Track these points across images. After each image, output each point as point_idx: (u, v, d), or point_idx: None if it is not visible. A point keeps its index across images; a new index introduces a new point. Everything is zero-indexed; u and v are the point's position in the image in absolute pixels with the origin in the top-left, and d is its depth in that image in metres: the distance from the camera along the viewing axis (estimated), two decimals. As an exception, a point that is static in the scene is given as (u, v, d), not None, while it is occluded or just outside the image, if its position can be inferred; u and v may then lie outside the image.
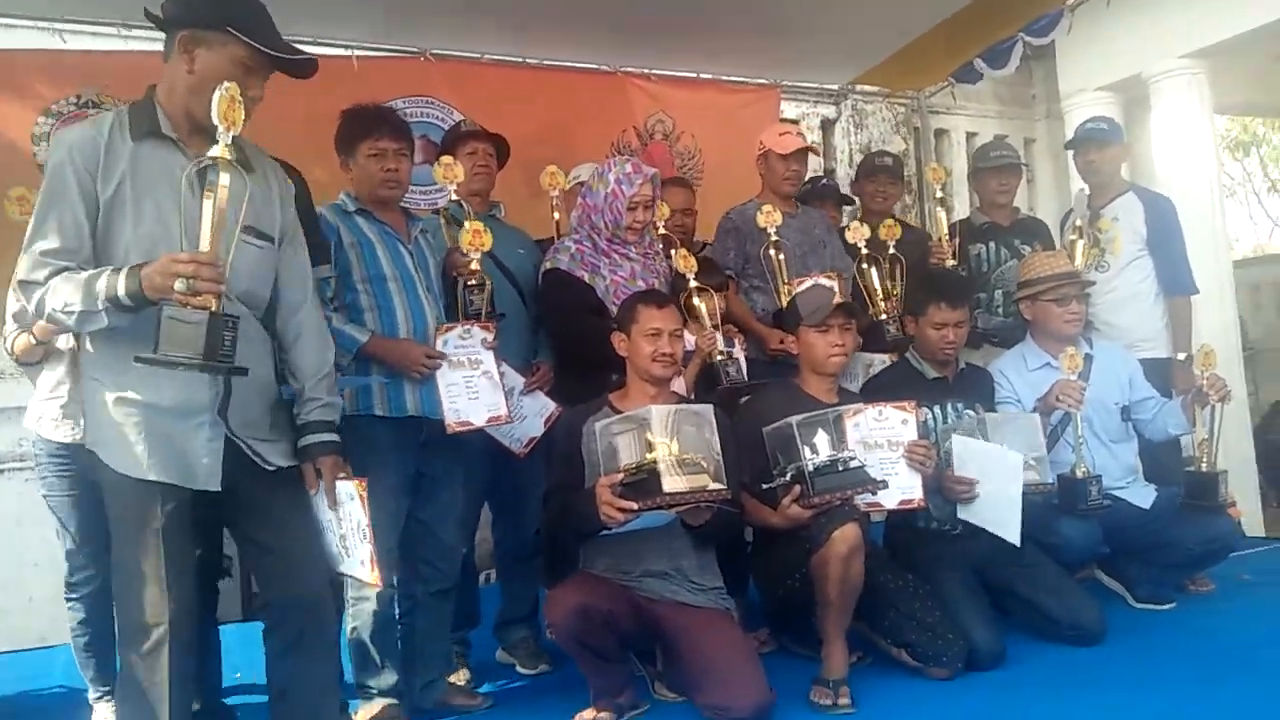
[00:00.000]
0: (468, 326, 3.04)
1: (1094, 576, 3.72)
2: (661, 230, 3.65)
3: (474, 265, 3.09)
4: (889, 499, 3.08)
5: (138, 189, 2.11)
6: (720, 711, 2.69)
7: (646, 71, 5.43)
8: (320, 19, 4.41)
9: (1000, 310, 4.26)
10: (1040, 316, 3.65)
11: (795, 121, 6.37)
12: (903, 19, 5.12)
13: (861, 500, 3.00)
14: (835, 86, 6.27)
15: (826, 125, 6.96)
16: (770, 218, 3.72)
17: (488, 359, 3.05)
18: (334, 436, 2.37)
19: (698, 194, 4.50)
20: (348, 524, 2.34)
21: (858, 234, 3.93)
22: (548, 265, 3.42)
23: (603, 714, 2.77)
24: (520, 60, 5.13)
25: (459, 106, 4.78)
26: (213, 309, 1.96)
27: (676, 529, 2.86)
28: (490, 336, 3.06)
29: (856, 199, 4.91)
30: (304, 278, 2.43)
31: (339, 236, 2.96)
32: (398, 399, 2.95)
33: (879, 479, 2.98)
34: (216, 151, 1.99)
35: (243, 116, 2.02)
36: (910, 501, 3.09)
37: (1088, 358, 3.58)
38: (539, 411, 3.32)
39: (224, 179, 1.98)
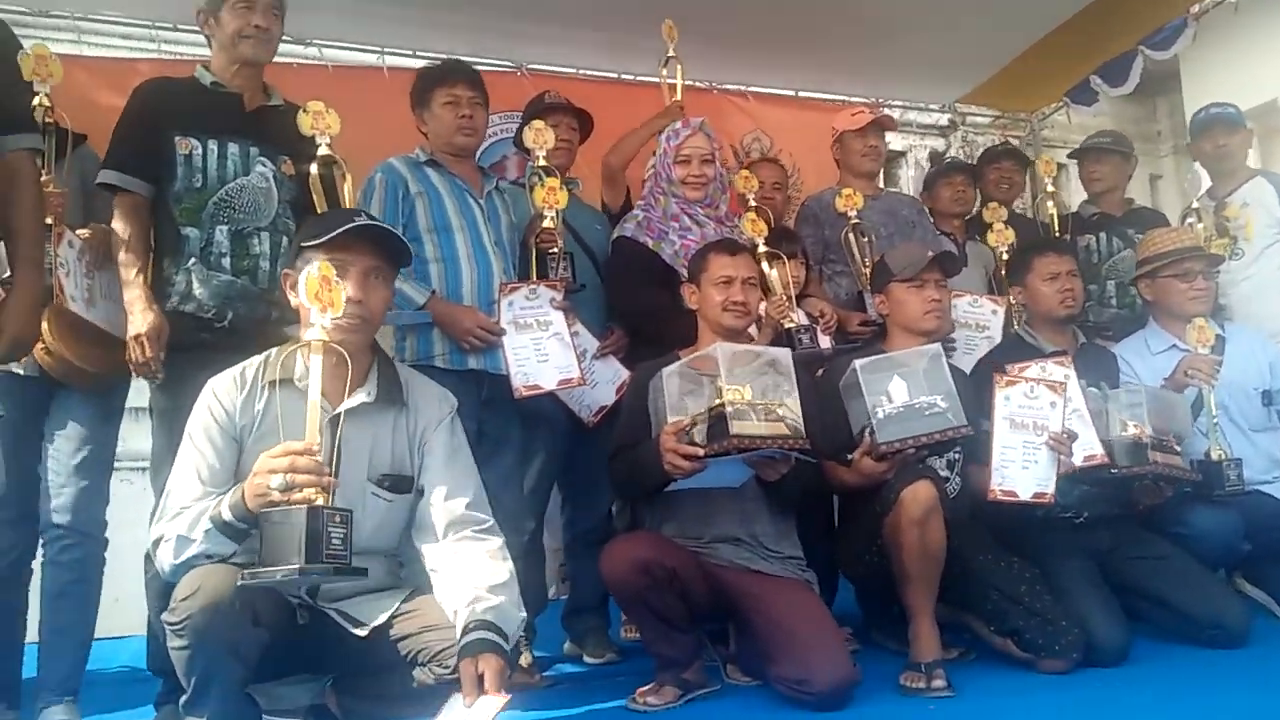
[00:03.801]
0: (534, 286, 2.92)
1: (1235, 586, 3.27)
2: (751, 201, 3.47)
3: (547, 224, 2.99)
4: (1024, 489, 2.71)
5: (280, 429, 2.05)
6: (797, 686, 2.41)
7: (743, 88, 5.32)
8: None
9: (1114, 302, 3.95)
10: (1162, 295, 3.33)
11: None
12: (1012, 27, 4.91)
13: (998, 488, 2.68)
14: (938, 107, 6.03)
15: (936, 158, 6.74)
16: (850, 201, 3.60)
17: (558, 319, 2.93)
18: (497, 638, 2.02)
19: (797, 212, 4.34)
20: None
21: (996, 213, 3.85)
22: (615, 234, 3.32)
23: (666, 689, 2.51)
24: (615, 76, 5.09)
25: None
26: (316, 503, 1.83)
27: (750, 489, 2.62)
28: (559, 296, 2.93)
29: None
30: (445, 504, 2.23)
31: (406, 186, 2.91)
32: (458, 350, 2.84)
33: (962, 423, 2.55)
34: (315, 335, 1.92)
35: (341, 302, 1.96)
36: (1044, 495, 2.72)
37: (1219, 339, 3.22)
38: (611, 379, 3.15)
39: (315, 362, 1.91)
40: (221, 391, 2.13)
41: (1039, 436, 2.72)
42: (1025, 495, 2.71)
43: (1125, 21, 4.95)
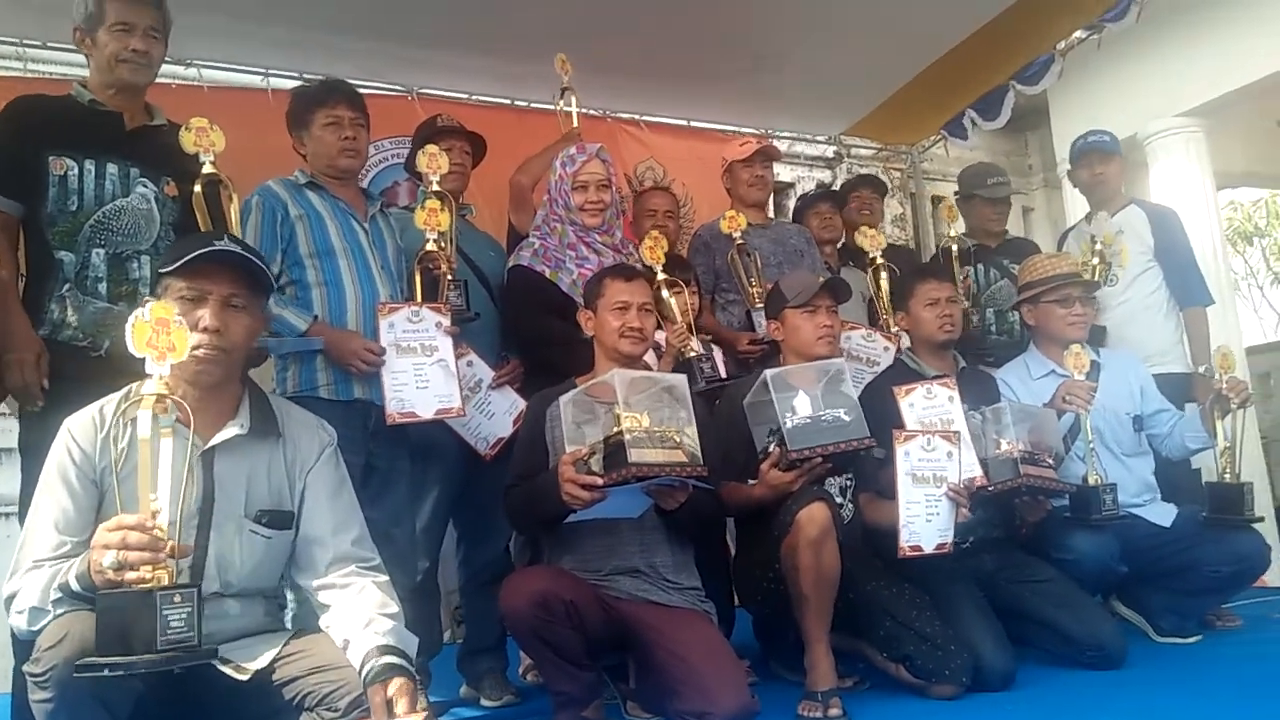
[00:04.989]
0: (416, 308, 2.81)
1: (1110, 609, 3.37)
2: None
3: (430, 247, 2.92)
4: (928, 542, 2.72)
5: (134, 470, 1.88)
6: (698, 718, 2.36)
7: (637, 117, 5.34)
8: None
9: (993, 329, 4.08)
10: (1042, 320, 3.43)
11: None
12: (892, 62, 5.06)
13: (906, 544, 2.69)
14: (824, 139, 6.18)
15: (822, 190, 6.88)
16: (734, 222, 3.64)
17: (445, 346, 2.82)
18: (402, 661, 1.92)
19: (689, 242, 4.35)
20: None
21: (874, 241, 3.80)
22: (511, 263, 3.26)
23: (565, 728, 2.46)
24: (508, 102, 5.04)
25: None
26: (155, 583, 1.65)
27: (650, 521, 2.59)
28: (445, 321, 2.83)
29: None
30: (330, 540, 2.11)
31: (285, 210, 2.79)
32: (344, 380, 2.74)
33: (866, 434, 2.58)
34: (151, 388, 1.72)
35: (185, 344, 1.76)
36: (944, 545, 2.74)
37: (1095, 365, 3.35)
38: (507, 409, 3.08)
39: (143, 419, 1.70)
40: (78, 431, 1.96)
41: (939, 488, 2.74)
42: (929, 548, 2.72)
43: (997, 57, 5.15)
